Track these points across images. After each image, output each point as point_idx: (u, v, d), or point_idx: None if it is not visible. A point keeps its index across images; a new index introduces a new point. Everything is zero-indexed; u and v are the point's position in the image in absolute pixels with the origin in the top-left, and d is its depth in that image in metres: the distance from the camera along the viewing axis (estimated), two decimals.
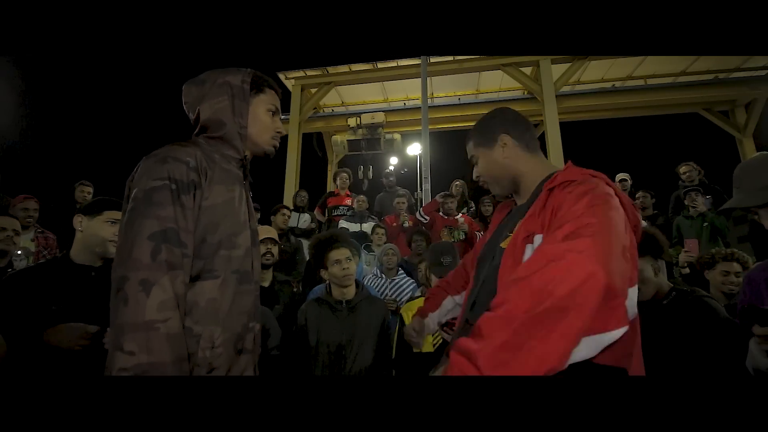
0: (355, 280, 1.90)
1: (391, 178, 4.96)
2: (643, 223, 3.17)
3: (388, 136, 5.93)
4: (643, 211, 4.27)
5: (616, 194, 0.77)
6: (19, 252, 2.49)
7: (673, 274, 3.21)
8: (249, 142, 1.00)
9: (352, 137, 5.94)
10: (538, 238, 0.75)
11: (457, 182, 4.96)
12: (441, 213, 3.96)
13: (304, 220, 4.47)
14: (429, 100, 5.61)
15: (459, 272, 1.24)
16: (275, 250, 2.38)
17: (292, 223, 4.31)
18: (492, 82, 6.78)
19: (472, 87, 6.99)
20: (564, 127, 5.76)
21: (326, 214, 4.80)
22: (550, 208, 0.75)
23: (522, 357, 0.55)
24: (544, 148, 5.69)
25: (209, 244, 0.86)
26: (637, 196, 4.38)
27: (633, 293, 0.70)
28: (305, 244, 4.00)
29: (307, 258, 3.56)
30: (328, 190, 5.34)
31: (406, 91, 7.10)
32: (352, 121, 5.91)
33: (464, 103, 6.67)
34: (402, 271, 3.03)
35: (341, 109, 7.49)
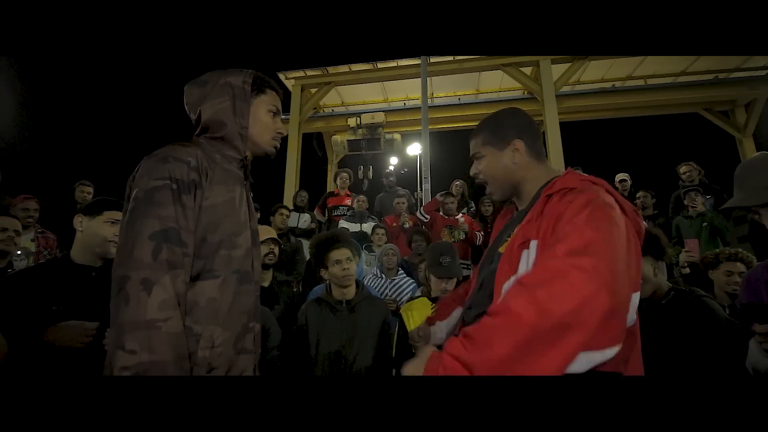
0: (356, 280, 1.90)
1: (391, 178, 4.96)
2: (643, 222, 3.16)
3: (388, 136, 5.93)
4: (644, 211, 4.27)
5: (617, 201, 0.76)
6: (18, 252, 2.49)
7: (673, 274, 3.21)
8: (250, 143, 1.00)
9: (352, 137, 5.94)
10: (533, 244, 0.75)
11: (457, 182, 4.97)
12: (441, 213, 3.96)
13: (304, 220, 4.47)
14: (429, 100, 5.62)
15: (471, 284, 1.23)
16: (277, 250, 2.39)
17: (292, 223, 4.31)
18: (492, 82, 6.78)
19: (472, 87, 6.99)
20: (564, 127, 5.77)
21: (326, 214, 4.80)
22: (549, 216, 0.74)
23: (519, 369, 0.56)
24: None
25: (209, 243, 0.86)
26: (637, 196, 4.38)
27: (636, 297, 0.72)
28: (305, 244, 4.00)
29: (307, 258, 3.57)
30: (328, 190, 5.34)
31: (406, 91, 7.10)
32: (352, 121, 5.91)
33: (464, 103, 6.67)
34: (402, 271, 3.03)
35: (341, 109, 7.49)
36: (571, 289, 0.57)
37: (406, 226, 3.91)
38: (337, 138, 6.16)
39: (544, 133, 5.76)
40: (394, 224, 4.02)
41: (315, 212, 4.79)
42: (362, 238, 3.87)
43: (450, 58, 6.09)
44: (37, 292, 1.25)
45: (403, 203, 4.22)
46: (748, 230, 3.58)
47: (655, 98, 5.99)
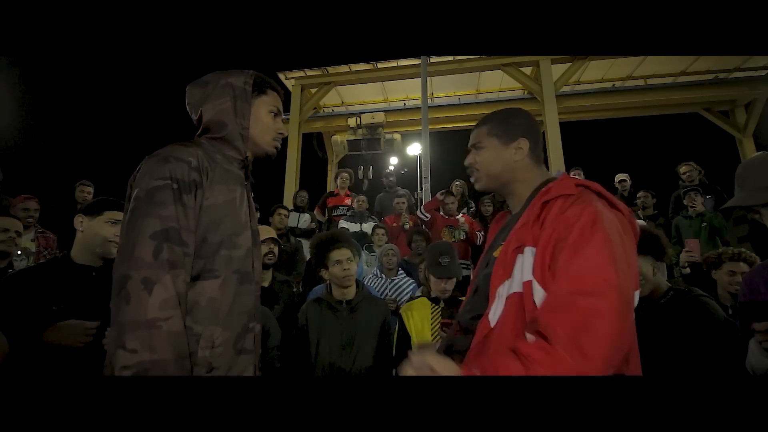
0: (356, 280, 1.90)
1: (391, 178, 4.96)
2: (643, 222, 3.15)
3: (388, 136, 5.93)
4: (644, 211, 4.27)
5: (611, 203, 0.78)
6: (19, 252, 2.49)
7: (673, 274, 3.21)
8: (250, 143, 1.00)
9: (352, 137, 5.94)
10: (528, 250, 0.75)
11: (458, 182, 4.97)
12: (441, 213, 3.96)
13: (304, 220, 4.47)
14: (429, 100, 5.62)
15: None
16: (276, 250, 2.39)
17: (292, 223, 4.31)
18: (492, 82, 6.78)
19: (472, 87, 6.99)
20: (564, 127, 5.77)
21: (326, 214, 4.80)
22: (548, 227, 0.74)
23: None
24: (544, 148, 5.75)
25: (210, 243, 0.86)
26: (638, 195, 4.38)
27: (637, 296, 0.73)
28: (305, 244, 4.00)
29: (307, 258, 3.57)
30: (328, 190, 5.34)
31: (406, 91, 7.10)
32: (352, 121, 5.91)
33: (464, 103, 6.67)
34: (402, 271, 3.03)
35: (341, 109, 7.49)
36: (600, 338, 0.60)
37: (406, 226, 3.91)
38: (337, 138, 6.16)
39: (544, 133, 5.77)
40: (394, 224, 4.03)
41: (315, 212, 4.79)
42: (362, 238, 3.87)
43: (450, 58, 6.09)
44: (37, 292, 1.25)
45: (403, 203, 4.22)
46: (748, 230, 3.59)
47: (655, 98, 5.99)
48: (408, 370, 0.66)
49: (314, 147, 7.77)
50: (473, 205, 4.93)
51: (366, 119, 5.80)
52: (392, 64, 6.34)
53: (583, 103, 6.18)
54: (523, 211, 0.86)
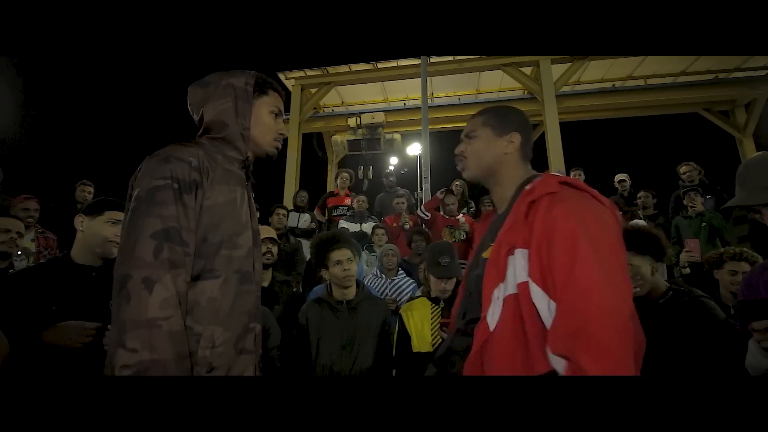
0: (356, 281, 1.90)
1: (391, 178, 4.95)
2: (643, 223, 3.15)
3: (388, 136, 5.93)
4: (644, 211, 4.27)
5: (594, 198, 0.80)
6: (19, 252, 2.49)
7: (674, 274, 3.21)
8: (251, 144, 1.00)
9: (352, 137, 5.94)
10: (519, 252, 0.77)
11: (458, 182, 4.97)
12: (442, 213, 3.96)
13: (304, 220, 4.47)
14: (429, 100, 5.62)
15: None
16: (275, 249, 2.39)
17: (292, 223, 4.31)
18: (492, 82, 6.79)
19: (472, 87, 6.99)
20: (564, 127, 5.77)
21: (326, 214, 4.80)
22: (537, 227, 0.76)
23: None
24: (544, 148, 5.75)
25: (210, 243, 0.86)
26: (638, 195, 4.38)
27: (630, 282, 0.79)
28: (305, 244, 4.00)
29: (307, 258, 3.57)
30: (328, 190, 5.34)
31: (406, 91, 7.10)
32: (352, 121, 5.91)
33: (464, 103, 6.67)
34: (402, 272, 3.03)
35: (341, 109, 7.49)
36: (608, 354, 0.64)
37: (406, 226, 3.91)
38: (337, 138, 6.17)
39: (544, 133, 5.77)
40: (394, 224, 4.03)
41: (315, 212, 4.78)
42: (362, 238, 3.87)
43: (450, 58, 6.09)
44: (37, 292, 1.25)
45: (403, 203, 4.22)
46: (748, 230, 3.59)
47: (655, 98, 6.00)
48: None
49: (314, 147, 7.77)
50: (473, 205, 4.93)
51: (366, 119, 5.80)
52: (392, 64, 6.35)
53: (583, 103, 6.19)
54: (508, 210, 0.87)
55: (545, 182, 0.82)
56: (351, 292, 1.86)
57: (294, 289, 2.98)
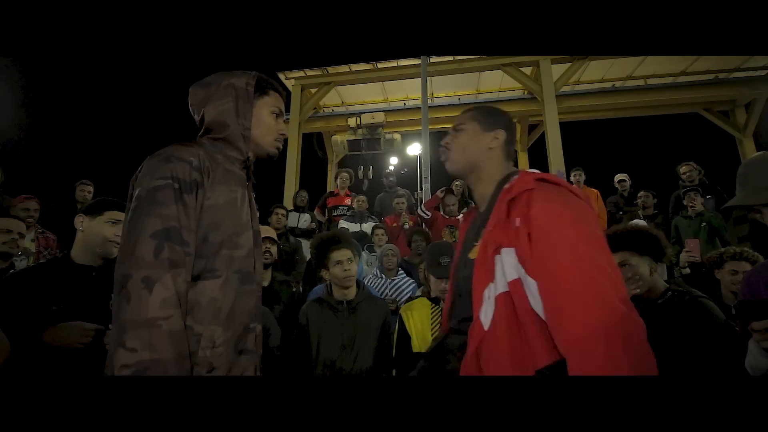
0: (356, 281, 1.90)
1: (391, 178, 4.96)
2: (643, 223, 3.15)
3: (388, 136, 5.94)
4: (644, 211, 4.27)
5: (570, 191, 0.83)
6: (19, 252, 2.49)
7: (674, 274, 3.21)
8: (252, 144, 1.00)
9: (352, 137, 5.94)
10: (506, 252, 0.78)
11: (458, 182, 4.96)
12: (442, 213, 3.96)
13: (304, 220, 4.47)
14: (429, 100, 5.62)
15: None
16: (274, 249, 2.39)
17: (292, 223, 4.31)
18: (492, 82, 6.79)
19: (472, 87, 6.99)
20: (564, 127, 5.77)
21: (326, 214, 4.80)
22: (520, 225, 0.78)
23: None
24: (544, 148, 5.74)
25: (211, 243, 0.86)
26: (638, 195, 4.38)
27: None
28: (305, 244, 4.00)
29: (307, 258, 3.57)
30: (328, 190, 5.34)
31: (406, 91, 7.10)
32: (352, 121, 5.92)
33: (464, 103, 6.67)
34: (402, 272, 3.03)
35: (341, 109, 7.49)
36: (613, 358, 0.64)
37: (406, 226, 3.91)
38: (337, 138, 6.17)
39: (544, 133, 5.77)
40: (394, 224, 4.03)
41: (315, 212, 4.79)
42: (362, 238, 3.87)
43: (450, 58, 6.09)
44: (37, 292, 1.25)
45: (403, 203, 4.22)
46: (748, 230, 3.59)
47: (655, 98, 6.00)
48: None
49: (314, 147, 7.77)
50: (473, 205, 4.93)
51: (366, 119, 5.80)
52: (392, 64, 6.35)
53: (583, 103, 6.18)
54: (490, 209, 0.90)
55: (522, 180, 0.85)
56: (351, 293, 1.86)
57: (294, 289, 2.98)
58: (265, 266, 2.32)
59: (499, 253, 0.79)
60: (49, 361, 1.18)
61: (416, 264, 3.15)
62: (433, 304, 1.90)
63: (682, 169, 4.27)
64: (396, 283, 2.90)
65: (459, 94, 7.16)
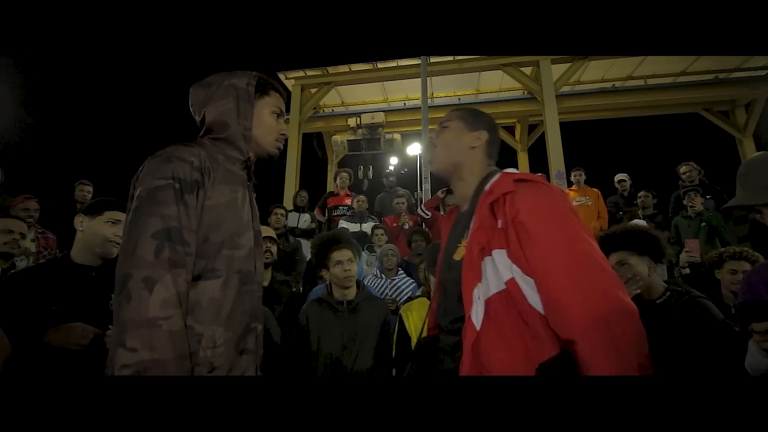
0: (357, 281, 1.90)
1: (391, 178, 4.95)
2: (643, 223, 3.14)
3: (388, 136, 5.93)
4: (644, 211, 4.27)
5: (547, 186, 0.85)
6: (19, 253, 2.48)
7: (674, 274, 3.21)
8: (253, 144, 1.00)
9: (352, 137, 5.94)
10: (498, 254, 0.80)
11: None
12: (442, 213, 3.96)
13: (304, 220, 4.47)
14: (429, 100, 5.62)
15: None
16: (274, 249, 2.39)
17: (292, 223, 4.31)
18: (492, 82, 6.79)
19: (472, 87, 6.99)
20: (564, 127, 5.77)
21: (326, 214, 4.80)
22: (507, 226, 0.80)
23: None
24: (544, 148, 5.73)
25: (212, 243, 0.86)
26: (638, 195, 4.38)
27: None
28: (305, 244, 4.00)
29: (307, 258, 3.57)
30: (328, 190, 5.34)
31: (406, 91, 7.10)
32: (352, 121, 5.91)
33: (464, 103, 6.66)
34: (402, 272, 3.03)
35: (341, 109, 7.49)
36: (620, 356, 0.68)
37: (406, 226, 3.91)
38: (337, 138, 6.16)
39: (544, 133, 5.77)
40: (394, 224, 4.03)
41: (315, 212, 4.78)
42: (362, 238, 3.87)
43: (450, 58, 6.09)
44: (37, 292, 1.24)
45: (403, 203, 4.22)
46: (748, 230, 3.59)
47: (655, 98, 6.00)
48: None
49: (314, 147, 7.77)
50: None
51: (366, 119, 5.80)
52: (392, 64, 6.35)
53: (583, 103, 6.19)
54: (472, 210, 0.92)
55: (502, 183, 0.87)
56: (351, 293, 1.86)
57: (294, 289, 2.98)
58: (265, 266, 2.32)
59: (490, 255, 0.81)
60: (49, 361, 1.18)
61: (416, 264, 3.15)
62: None
63: (682, 169, 4.27)
64: (396, 283, 2.91)
65: (459, 94, 7.16)
